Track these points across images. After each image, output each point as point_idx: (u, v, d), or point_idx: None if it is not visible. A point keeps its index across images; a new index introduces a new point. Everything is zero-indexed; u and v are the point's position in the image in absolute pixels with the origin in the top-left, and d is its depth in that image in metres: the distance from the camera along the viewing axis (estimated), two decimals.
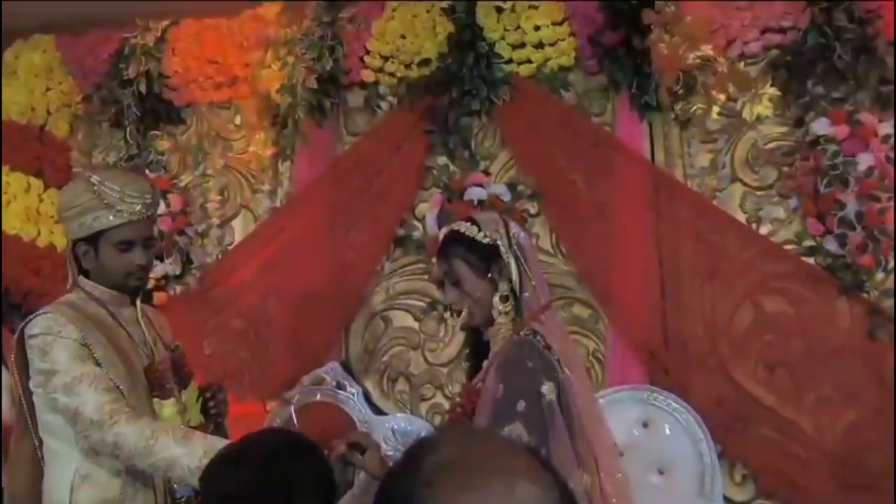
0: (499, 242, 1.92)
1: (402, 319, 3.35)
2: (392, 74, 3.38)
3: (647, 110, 3.17)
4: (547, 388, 1.77)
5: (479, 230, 1.94)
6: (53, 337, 2.00)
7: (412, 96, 3.33)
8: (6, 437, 2.52)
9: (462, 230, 1.96)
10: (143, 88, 3.48)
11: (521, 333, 1.86)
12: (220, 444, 1.94)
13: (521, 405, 1.75)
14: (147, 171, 3.41)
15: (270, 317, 3.37)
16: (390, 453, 3.15)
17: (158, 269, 3.33)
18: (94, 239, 2.08)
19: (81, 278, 2.14)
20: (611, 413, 2.89)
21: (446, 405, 3.21)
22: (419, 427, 3.17)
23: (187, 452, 1.90)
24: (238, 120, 3.55)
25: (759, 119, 3.13)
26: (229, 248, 3.51)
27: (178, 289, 3.46)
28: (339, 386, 3.23)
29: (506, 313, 1.91)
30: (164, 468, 1.93)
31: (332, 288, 3.31)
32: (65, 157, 3.63)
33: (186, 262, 3.47)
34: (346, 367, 3.31)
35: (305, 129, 3.38)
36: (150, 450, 1.92)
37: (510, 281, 1.90)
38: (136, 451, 1.93)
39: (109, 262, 2.10)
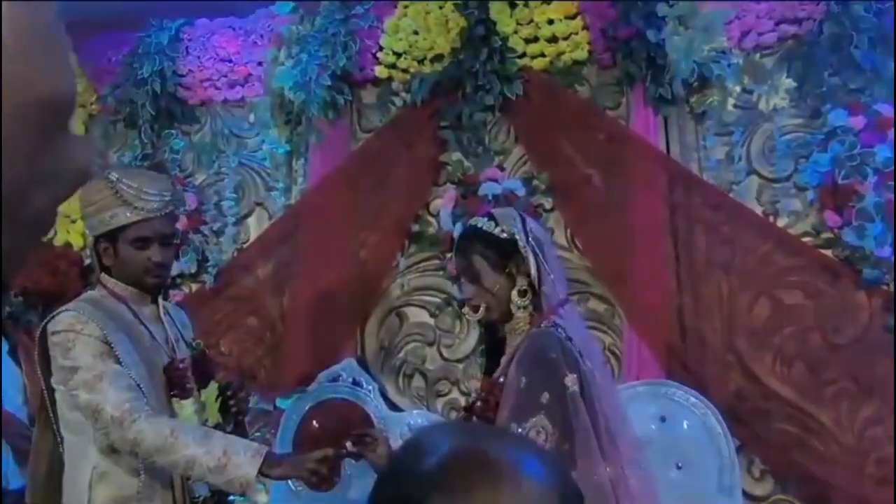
0: (516, 237, 1.92)
1: (418, 315, 3.35)
2: (405, 71, 3.38)
3: (662, 103, 3.15)
4: (570, 380, 1.78)
5: (497, 225, 1.95)
6: (76, 334, 2.01)
7: (425, 92, 3.32)
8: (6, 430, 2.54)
9: (480, 226, 1.97)
10: (157, 88, 3.50)
11: (542, 325, 1.87)
12: (239, 444, 1.96)
13: (545, 396, 1.75)
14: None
15: (286, 314, 3.38)
16: None
17: (174, 268, 3.34)
18: (113, 236, 2.09)
19: (103, 275, 2.15)
20: (629, 408, 2.86)
21: (462, 401, 3.21)
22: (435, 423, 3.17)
23: (207, 451, 1.91)
24: (252, 118, 3.56)
25: (775, 111, 3.11)
26: (244, 246, 3.53)
27: (194, 287, 3.47)
28: (356, 383, 3.23)
29: (524, 308, 1.91)
30: (183, 466, 1.94)
31: (347, 285, 3.31)
32: None
33: (202, 260, 3.48)
34: (362, 363, 3.32)
35: (319, 127, 3.38)
36: (170, 448, 1.92)
37: (528, 275, 1.90)
38: (156, 449, 1.93)
39: (127, 258, 2.10)
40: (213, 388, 2.26)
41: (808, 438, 2.96)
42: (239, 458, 1.91)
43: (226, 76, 3.53)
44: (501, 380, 1.90)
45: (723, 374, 3.04)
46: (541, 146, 3.30)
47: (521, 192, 3.22)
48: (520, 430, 1.74)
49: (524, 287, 1.91)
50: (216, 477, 1.91)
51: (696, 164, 3.18)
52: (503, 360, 1.95)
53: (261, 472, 1.91)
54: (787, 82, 3.09)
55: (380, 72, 3.40)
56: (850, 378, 2.95)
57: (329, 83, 3.35)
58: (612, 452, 1.82)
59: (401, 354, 3.34)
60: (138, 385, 2.03)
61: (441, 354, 3.31)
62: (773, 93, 3.10)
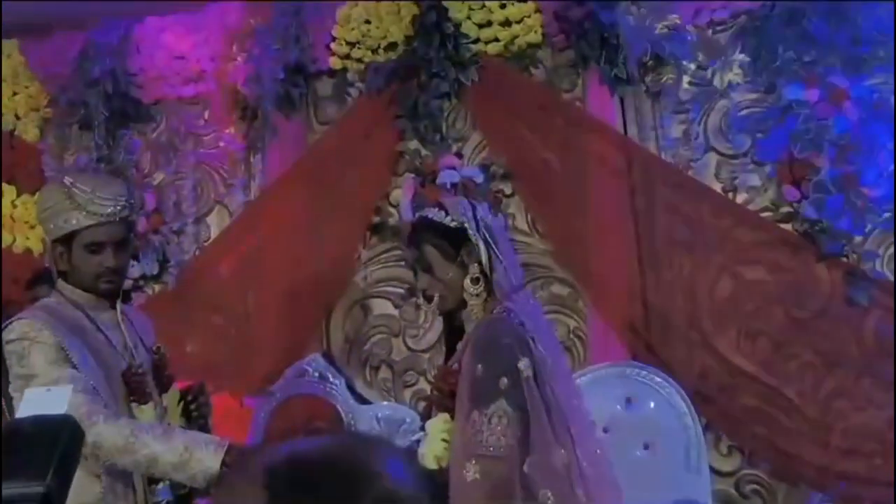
0: (466, 225, 1.91)
1: (382, 307, 3.34)
2: (359, 60, 3.35)
3: (618, 84, 3.13)
4: (524, 364, 1.79)
5: (447, 215, 1.95)
6: (30, 342, 1.99)
7: (380, 82, 3.30)
8: None
9: (430, 216, 1.98)
10: (109, 88, 3.46)
11: (494, 312, 1.87)
12: (201, 438, 1.95)
13: (504, 382, 1.77)
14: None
15: (250, 312, 3.36)
16: None
17: (135, 270, 3.32)
18: (67, 240, 2.07)
19: (60, 281, 2.13)
20: (594, 390, 2.89)
21: (429, 390, 3.20)
22: (403, 414, 3.16)
23: (168, 449, 1.91)
24: (207, 115, 3.53)
25: (730, 87, 3.09)
26: (205, 244, 3.50)
27: (157, 288, 3.45)
28: (323, 377, 3.22)
29: (477, 295, 1.92)
30: (145, 465, 1.94)
31: (311, 279, 3.30)
32: (36, 161, 3.61)
33: (163, 260, 3.45)
34: (329, 357, 3.30)
35: (275, 121, 3.36)
36: (131, 447, 1.91)
37: (480, 263, 1.90)
38: (116, 450, 1.92)
39: (80, 263, 2.08)
40: (174, 392, 2.25)
41: (774, 413, 2.96)
42: (201, 453, 1.90)
43: (178, 73, 3.49)
44: (455, 366, 1.91)
45: (687, 353, 3.03)
46: (498, 132, 3.28)
47: (480, 178, 3.20)
48: (482, 416, 1.75)
49: (476, 275, 1.91)
50: (179, 473, 1.91)
51: (653, 144, 3.17)
52: (458, 346, 1.95)
53: (224, 465, 1.90)
54: (741, 57, 3.07)
55: (334, 63, 3.37)
56: (813, 351, 2.96)
57: (283, 76, 3.32)
58: (564, 436, 1.83)
59: (367, 347, 3.34)
60: (95, 389, 2.01)
61: (406, 345, 3.31)
62: (727, 69, 3.08)
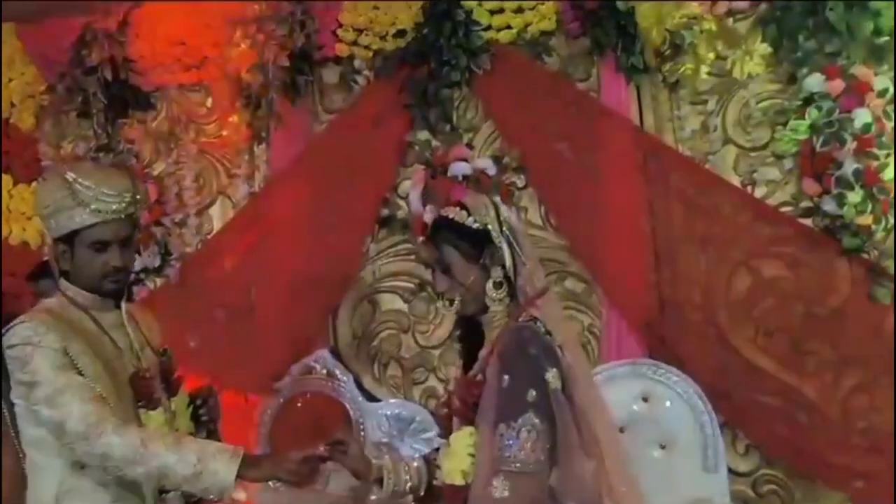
0: (489, 227, 1.86)
1: (391, 302, 3.29)
2: (367, 48, 3.27)
3: (634, 73, 3.06)
4: (552, 376, 1.75)
5: (469, 215, 1.88)
6: (33, 347, 1.93)
7: (389, 70, 3.23)
8: None
9: (451, 216, 1.91)
10: (108, 75, 3.37)
11: (520, 320, 1.82)
12: (213, 448, 1.89)
13: (532, 394, 1.73)
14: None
15: (255, 306, 3.29)
16: (385, 440, 3.10)
17: (136, 263, 3.22)
18: (69, 239, 2.00)
19: (62, 281, 2.07)
20: (610, 388, 2.84)
21: (439, 388, 3.16)
22: (413, 412, 3.11)
23: (180, 459, 1.86)
24: (209, 103, 3.46)
25: (750, 77, 3.02)
26: (208, 236, 3.43)
27: (158, 282, 3.37)
28: (330, 374, 3.17)
29: (500, 300, 1.87)
30: (157, 476, 1.89)
31: (317, 273, 3.22)
32: (32, 150, 3.52)
33: (165, 253, 3.38)
34: (336, 354, 3.25)
35: (280, 109, 3.29)
36: (142, 458, 1.86)
37: (503, 266, 1.84)
38: (126, 461, 1.87)
39: (84, 263, 2.02)
40: (183, 396, 2.20)
41: (792, 411, 2.92)
42: (215, 464, 1.85)
43: (180, 60, 3.40)
44: (479, 377, 1.86)
45: (704, 350, 2.98)
46: (510, 122, 3.21)
47: (492, 171, 3.14)
48: (510, 430, 1.71)
49: (499, 279, 1.86)
50: (192, 485, 1.87)
51: (670, 135, 3.11)
52: (481, 354, 1.90)
53: (238, 475, 1.85)
54: (762, 47, 2.99)
55: (340, 49, 3.29)
56: (832, 348, 2.91)
57: (288, 63, 3.24)
58: (592, 446, 1.79)
59: (375, 343, 3.28)
60: (102, 396, 1.94)
61: (416, 341, 3.26)
62: (747, 59, 3.01)
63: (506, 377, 1.75)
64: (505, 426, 1.71)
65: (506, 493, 1.67)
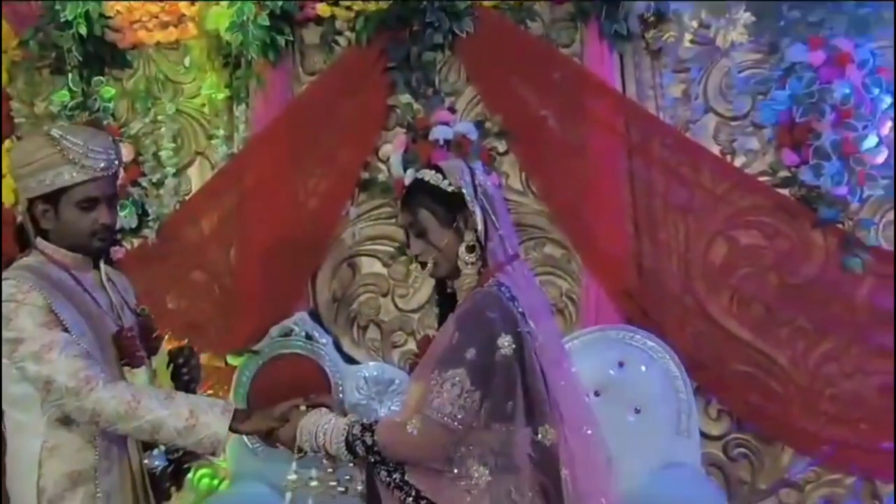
0: (464, 190, 1.84)
1: (371, 265, 3.28)
2: (349, 8, 3.22)
3: (618, 40, 3.06)
4: (505, 341, 1.73)
5: (444, 178, 1.86)
6: (17, 304, 1.90)
7: (371, 31, 3.17)
8: None
9: (426, 178, 1.89)
10: (83, 31, 3.27)
11: (486, 285, 1.81)
12: (204, 402, 1.90)
13: (471, 352, 1.72)
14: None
15: (233, 268, 3.26)
16: (363, 402, 3.12)
17: None
18: (53, 197, 1.96)
19: (40, 240, 2.03)
20: (587, 354, 2.88)
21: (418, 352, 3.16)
22: (391, 375, 3.12)
23: (172, 413, 1.85)
24: (188, 62, 3.37)
25: (732, 46, 3.02)
26: (186, 197, 3.37)
27: (136, 242, 3.33)
28: (309, 336, 3.16)
29: (472, 264, 1.85)
30: (149, 431, 1.87)
31: (297, 236, 3.20)
32: (4, 107, 3.42)
33: (142, 214, 3.33)
34: (315, 316, 3.24)
35: (259, 70, 3.23)
36: (133, 413, 1.85)
37: (476, 230, 1.83)
38: (118, 416, 1.86)
39: (72, 221, 1.98)
40: (163, 355, 2.18)
41: (765, 378, 2.99)
42: (207, 417, 1.85)
43: (157, 17, 3.31)
44: (433, 335, 1.86)
45: (681, 317, 3.03)
46: (493, 86, 3.19)
47: (474, 135, 3.12)
48: (439, 378, 1.71)
49: (472, 243, 1.84)
50: (185, 439, 1.86)
51: (652, 103, 3.11)
52: (449, 317, 1.89)
53: (230, 428, 1.86)
54: (746, 16, 2.99)
55: (322, 10, 3.23)
56: (805, 318, 2.97)
57: (268, 23, 3.18)
58: (552, 414, 1.79)
59: (354, 306, 3.27)
60: (89, 353, 1.93)
61: (396, 304, 3.25)
62: (730, 27, 3.00)
63: (457, 333, 1.75)
64: (437, 374, 1.72)
65: (415, 433, 1.69)
